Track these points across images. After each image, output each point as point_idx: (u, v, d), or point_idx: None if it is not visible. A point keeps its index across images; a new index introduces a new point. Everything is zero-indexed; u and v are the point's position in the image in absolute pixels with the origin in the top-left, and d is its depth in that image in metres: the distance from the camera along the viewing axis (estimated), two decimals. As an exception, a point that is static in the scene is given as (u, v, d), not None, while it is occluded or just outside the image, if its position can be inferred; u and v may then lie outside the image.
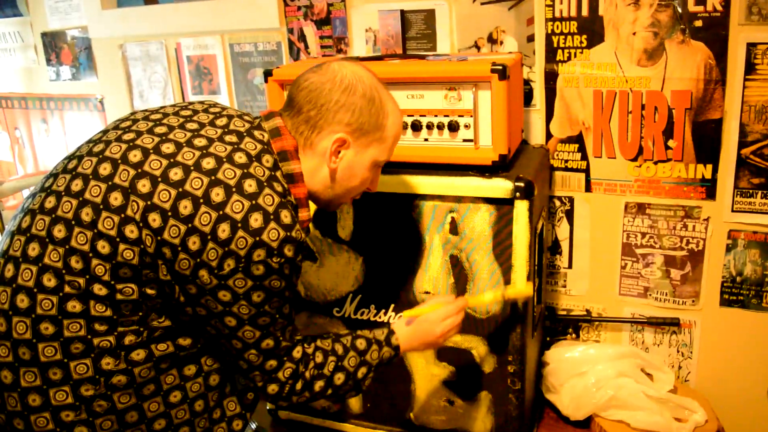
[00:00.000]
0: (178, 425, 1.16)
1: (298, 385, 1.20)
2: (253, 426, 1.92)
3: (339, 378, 1.24)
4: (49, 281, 1.03)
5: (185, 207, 1.03)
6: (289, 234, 1.05)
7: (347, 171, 1.21)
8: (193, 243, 1.02)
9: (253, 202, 1.04)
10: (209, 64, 2.37)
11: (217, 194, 1.03)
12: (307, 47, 2.14)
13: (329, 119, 1.16)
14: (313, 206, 1.25)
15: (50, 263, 1.04)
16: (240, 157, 1.09)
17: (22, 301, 1.04)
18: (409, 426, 1.78)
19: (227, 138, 1.12)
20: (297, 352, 1.19)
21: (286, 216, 1.06)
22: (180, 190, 1.04)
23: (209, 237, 1.02)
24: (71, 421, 1.07)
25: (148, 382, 1.10)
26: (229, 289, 1.04)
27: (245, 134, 1.14)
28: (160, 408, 1.13)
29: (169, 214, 1.02)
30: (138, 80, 2.57)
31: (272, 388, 1.18)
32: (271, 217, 1.04)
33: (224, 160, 1.08)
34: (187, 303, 1.08)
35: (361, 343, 1.28)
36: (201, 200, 1.03)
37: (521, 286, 1.51)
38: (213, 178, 1.05)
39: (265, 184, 1.08)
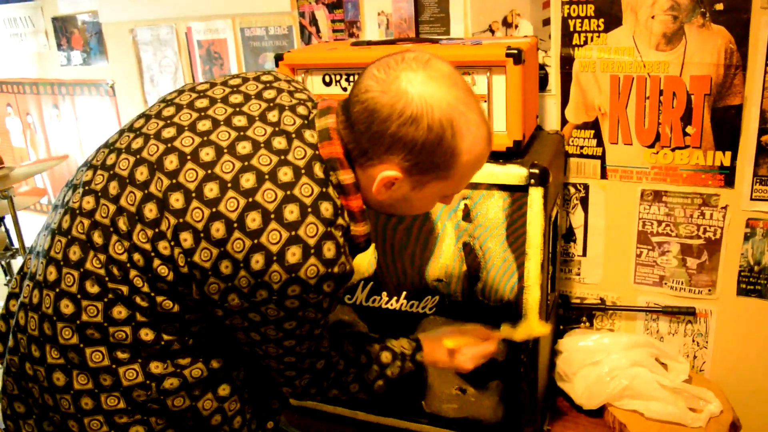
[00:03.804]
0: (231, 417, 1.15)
1: (313, 390, 1.17)
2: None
3: (354, 387, 1.22)
4: (92, 287, 0.99)
5: (218, 230, 0.93)
6: (330, 270, 0.94)
7: (402, 201, 1.06)
8: (225, 267, 0.93)
9: (293, 233, 0.93)
10: (220, 48, 2.35)
11: (254, 220, 0.92)
12: (318, 31, 2.12)
13: (381, 152, 0.98)
14: None
15: (92, 269, 0.99)
16: (285, 174, 0.96)
17: (67, 306, 1.00)
18: (420, 414, 1.78)
19: (275, 143, 0.99)
20: (319, 365, 1.13)
21: (329, 249, 0.95)
22: (214, 210, 0.94)
23: (242, 265, 0.93)
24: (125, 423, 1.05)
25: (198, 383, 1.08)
26: (260, 313, 0.97)
27: (294, 136, 1.00)
28: (213, 404, 1.11)
29: (202, 235, 0.93)
30: (149, 65, 2.56)
31: (286, 390, 1.17)
32: (312, 251, 0.93)
33: (266, 177, 0.95)
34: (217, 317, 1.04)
35: (386, 357, 1.24)
36: (235, 224, 0.93)
37: (536, 327, 1.48)
38: (251, 200, 0.93)
39: (309, 210, 0.95)
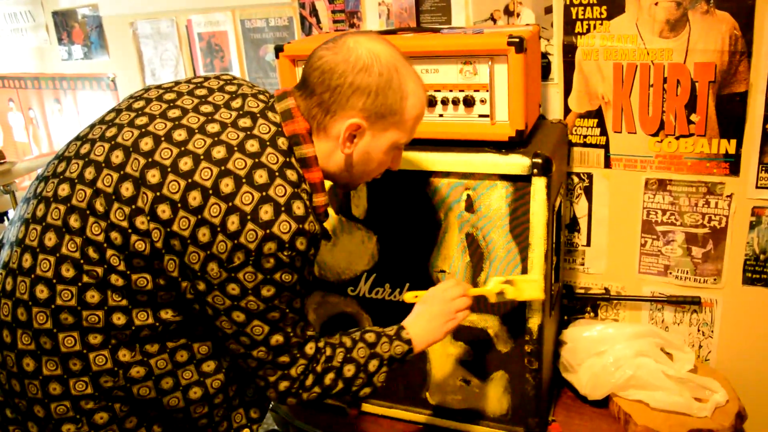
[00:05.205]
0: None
1: (309, 380, 1.18)
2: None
3: (349, 370, 1.21)
4: (67, 271, 1.04)
5: (194, 198, 1.01)
6: (301, 226, 1.03)
7: (363, 155, 1.17)
8: (203, 234, 1.01)
9: (264, 193, 1.02)
10: (220, 40, 2.34)
11: (227, 185, 1.02)
12: (319, 22, 2.10)
13: (342, 103, 1.11)
14: (328, 183, 1.23)
15: (68, 253, 1.04)
16: (252, 145, 1.06)
17: (42, 291, 1.05)
18: (424, 405, 1.78)
19: (241, 122, 1.10)
20: (310, 349, 1.17)
21: (298, 207, 1.04)
22: (189, 180, 1.02)
23: (219, 229, 1.00)
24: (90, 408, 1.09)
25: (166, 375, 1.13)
26: (238, 283, 1.03)
27: (259, 115, 1.12)
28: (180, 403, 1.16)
29: (179, 205, 1.01)
30: (150, 58, 2.55)
31: (284, 384, 1.16)
32: (282, 208, 1.02)
33: (235, 149, 1.05)
34: (195, 300, 1.08)
35: (370, 336, 1.26)
36: (210, 191, 1.02)
37: (531, 282, 1.43)
38: (223, 168, 1.03)
39: (276, 174, 1.05)
